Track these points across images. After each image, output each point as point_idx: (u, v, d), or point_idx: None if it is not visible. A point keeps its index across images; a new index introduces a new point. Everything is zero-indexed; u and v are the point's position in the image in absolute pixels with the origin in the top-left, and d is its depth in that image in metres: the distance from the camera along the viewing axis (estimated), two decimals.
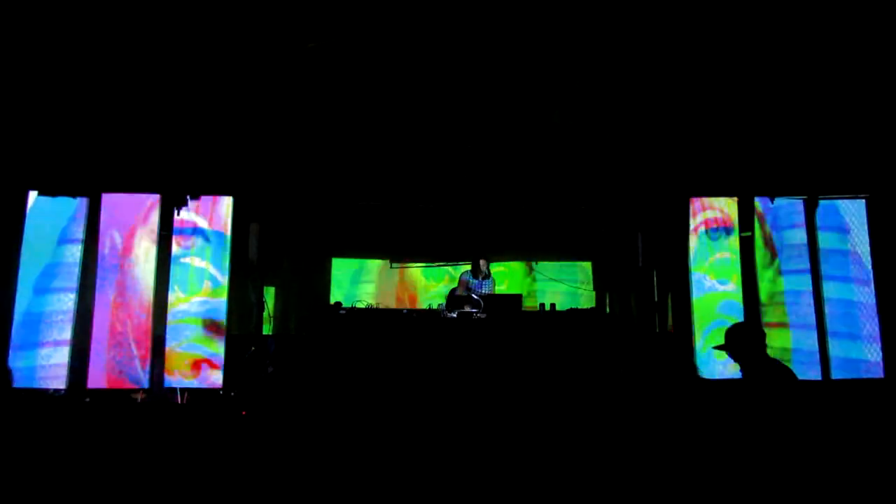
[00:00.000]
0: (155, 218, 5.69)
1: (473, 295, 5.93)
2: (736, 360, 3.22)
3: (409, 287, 8.74)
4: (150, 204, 5.72)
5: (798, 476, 2.86)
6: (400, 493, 3.24)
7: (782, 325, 5.87)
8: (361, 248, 8.70)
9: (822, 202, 5.95)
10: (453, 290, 6.27)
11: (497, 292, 6.39)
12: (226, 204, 5.81)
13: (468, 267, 6.40)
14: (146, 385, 5.44)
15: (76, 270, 5.56)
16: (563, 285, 8.59)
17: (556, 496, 3.23)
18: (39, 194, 5.63)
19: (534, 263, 8.78)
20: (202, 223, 5.76)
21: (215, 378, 5.47)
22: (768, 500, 2.87)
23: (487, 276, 6.20)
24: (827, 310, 5.80)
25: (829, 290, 5.82)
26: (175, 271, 5.65)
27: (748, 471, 3.01)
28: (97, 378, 5.41)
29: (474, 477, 3.43)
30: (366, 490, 3.25)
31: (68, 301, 5.51)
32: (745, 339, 3.21)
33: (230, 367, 5.48)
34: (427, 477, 3.43)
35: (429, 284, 8.68)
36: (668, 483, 3.32)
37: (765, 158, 6.08)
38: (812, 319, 5.80)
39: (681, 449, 3.85)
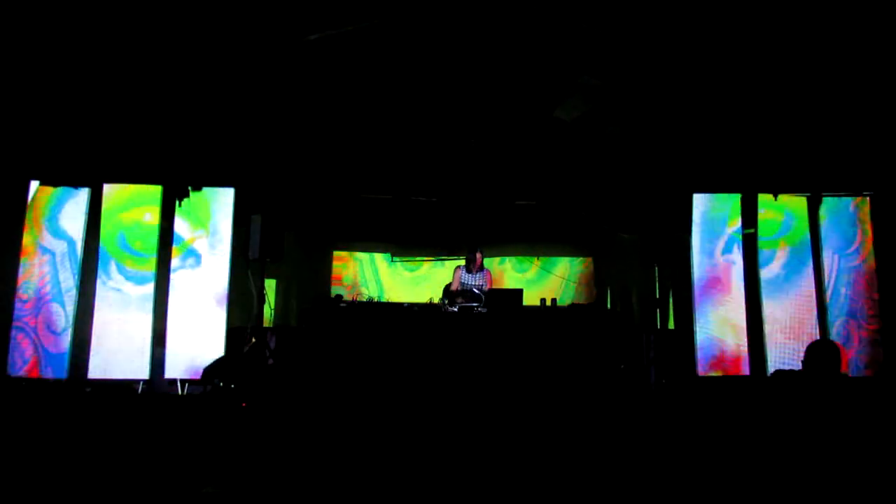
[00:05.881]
0: None
1: (474, 289, 5.92)
2: (809, 376, 3.26)
3: None
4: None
5: (797, 474, 2.86)
6: (401, 487, 3.24)
7: None
8: (362, 241, 8.71)
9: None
10: (448, 285, 6.27)
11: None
12: None
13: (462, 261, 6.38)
14: (147, 376, 5.46)
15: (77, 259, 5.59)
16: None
17: (556, 492, 3.24)
18: (41, 184, 5.64)
19: (537, 260, 8.78)
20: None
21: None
22: (768, 498, 2.88)
23: (481, 268, 6.20)
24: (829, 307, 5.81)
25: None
26: None
27: (748, 468, 3.01)
28: (98, 368, 5.43)
29: (475, 472, 3.44)
30: (366, 484, 3.26)
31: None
32: (823, 357, 3.25)
33: (231, 359, 5.48)
34: (427, 471, 3.43)
35: None
36: (668, 481, 3.32)
37: (768, 155, 6.05)
38: None
39: (681, 446, 3.85)
